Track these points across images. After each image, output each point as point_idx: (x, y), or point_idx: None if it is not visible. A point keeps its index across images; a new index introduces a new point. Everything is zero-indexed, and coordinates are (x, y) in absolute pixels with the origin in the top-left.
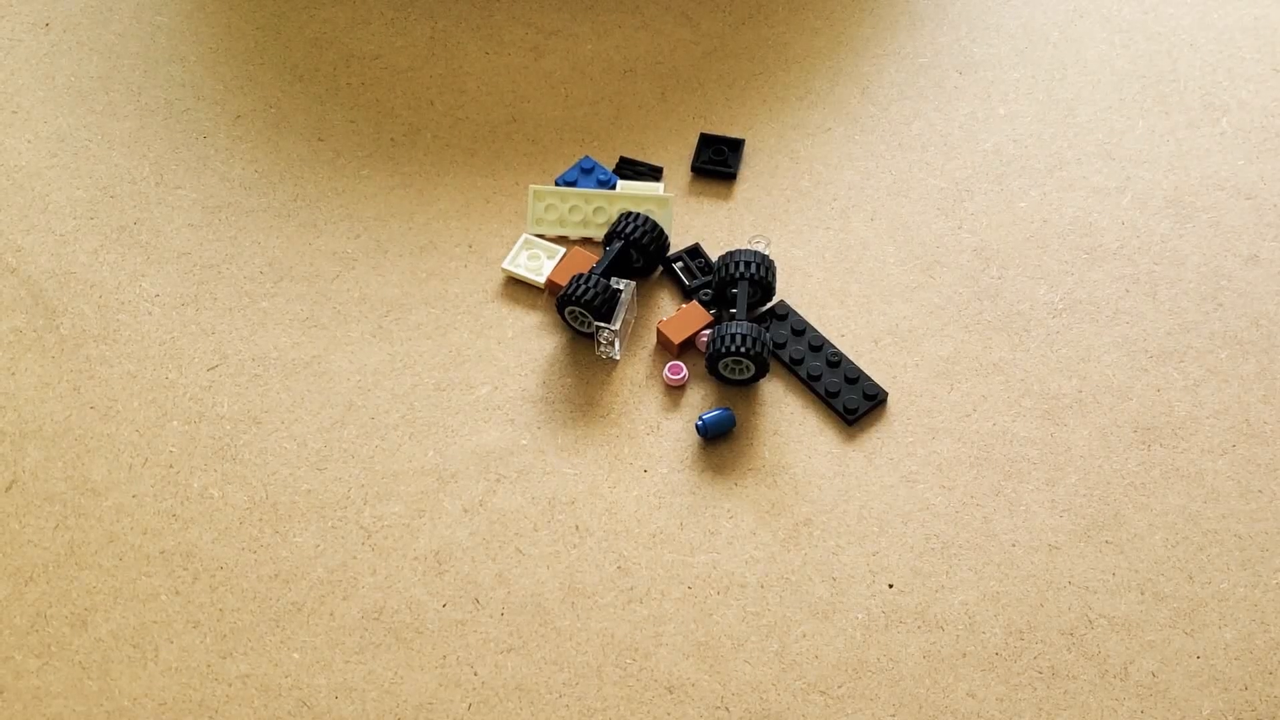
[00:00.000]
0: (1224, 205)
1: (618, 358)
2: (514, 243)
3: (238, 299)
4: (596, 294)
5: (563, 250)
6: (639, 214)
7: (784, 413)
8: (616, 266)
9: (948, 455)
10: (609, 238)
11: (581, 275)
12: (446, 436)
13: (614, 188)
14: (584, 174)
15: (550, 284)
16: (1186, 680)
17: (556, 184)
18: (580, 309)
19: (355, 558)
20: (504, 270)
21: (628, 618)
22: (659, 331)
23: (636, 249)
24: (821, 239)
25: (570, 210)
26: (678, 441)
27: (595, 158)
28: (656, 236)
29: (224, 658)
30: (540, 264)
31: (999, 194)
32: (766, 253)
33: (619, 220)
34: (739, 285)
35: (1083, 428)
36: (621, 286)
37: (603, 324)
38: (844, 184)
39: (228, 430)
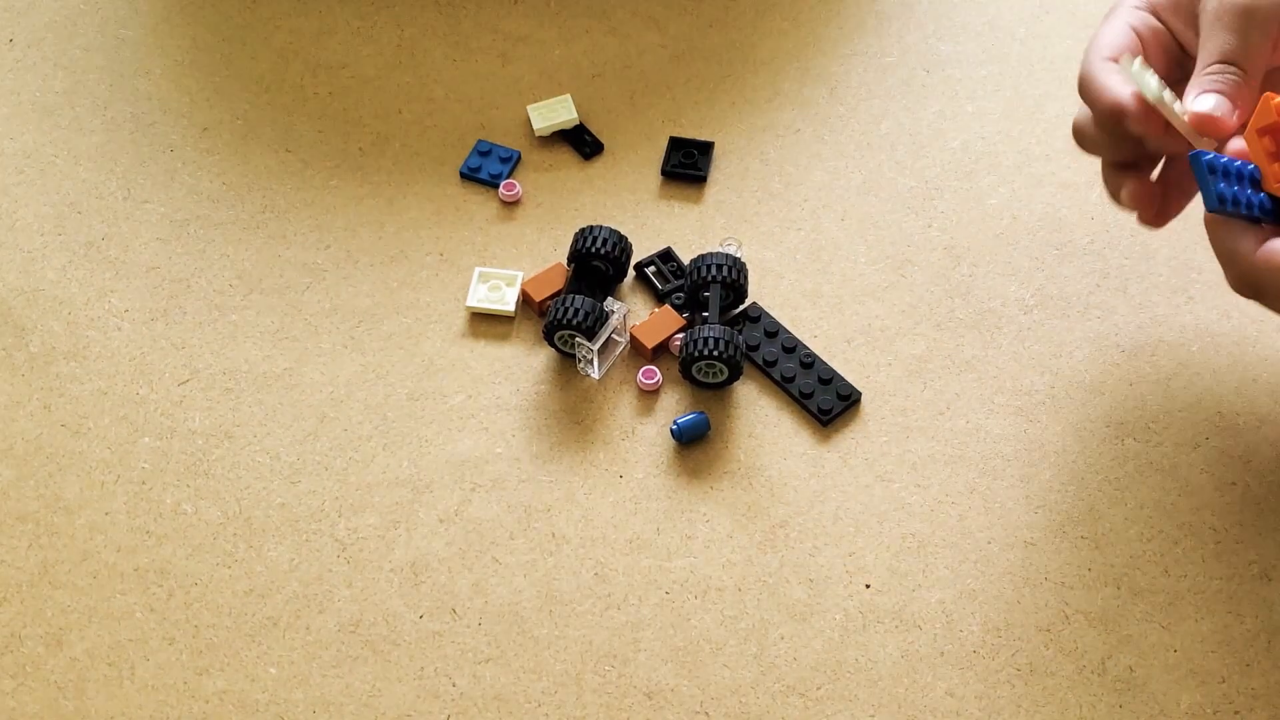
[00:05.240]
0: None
1: (596, 376)
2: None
3: (208, 313)
4: (587, 314)
5: (520, 274)
6: (596, 226)
7: (758, 415)
8: (585, 285)
9: (922, 454)
10: (571, 258)
11: (565, 299)
12: (421, 447)
13: (518, 161)
14: (482, 156)
15: (524, 293)
16: (1164, 674)
17: (461, 175)
18: (570, 332)
19: (330, 571)
20: (469, 308)
21: (605, 625)
22: (632, 336)
23: (601, 260)
24: (793, 240)
25: None
26: (653, 446)
27: None
28: (618, 242)
29: (200, 674)
30: (501, 294)
31: (969, 191)
32: (738, 255)
33: (576, 239)
34: (711, 288)
35: (1056, 424)
36: (615, 309)
37: (583, 340)
38: (814, 184)
39: (200, 445)
